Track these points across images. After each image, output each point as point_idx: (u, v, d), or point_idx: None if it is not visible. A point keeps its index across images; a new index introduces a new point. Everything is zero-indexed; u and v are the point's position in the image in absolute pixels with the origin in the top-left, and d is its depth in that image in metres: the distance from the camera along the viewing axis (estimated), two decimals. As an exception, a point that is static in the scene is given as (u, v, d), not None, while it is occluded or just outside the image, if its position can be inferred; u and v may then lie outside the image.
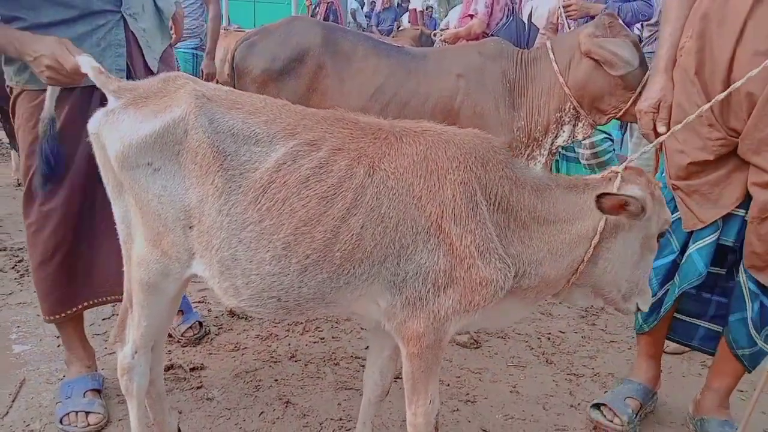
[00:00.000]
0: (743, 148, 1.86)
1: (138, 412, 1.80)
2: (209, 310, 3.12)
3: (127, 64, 2.15)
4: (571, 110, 2.60)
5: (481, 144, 1.53)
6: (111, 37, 2.11)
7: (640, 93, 2.38)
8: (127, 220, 1.61)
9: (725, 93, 1.67)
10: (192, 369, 2.54)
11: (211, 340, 2.82)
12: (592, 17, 3.55)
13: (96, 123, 1.54)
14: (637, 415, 2.23)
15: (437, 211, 1.44)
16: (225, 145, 1.45)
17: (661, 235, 1.63)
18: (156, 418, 1.94)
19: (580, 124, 2.64)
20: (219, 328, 2.93)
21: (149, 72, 2.22)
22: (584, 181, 1.61)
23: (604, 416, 2.21)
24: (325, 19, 8.22)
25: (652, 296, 1.86)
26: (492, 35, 4.25)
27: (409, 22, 9.47)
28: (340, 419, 2.25)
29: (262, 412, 2.27)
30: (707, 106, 1.71)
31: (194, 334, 2.77)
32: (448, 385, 2.50)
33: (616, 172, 1.59)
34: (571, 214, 1.55)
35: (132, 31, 2.16)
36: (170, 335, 2.84)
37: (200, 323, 2.82)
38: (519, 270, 1.52)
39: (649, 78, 2.04)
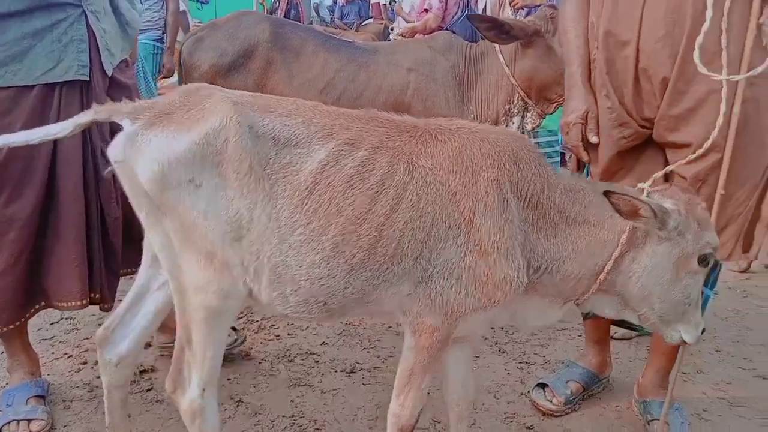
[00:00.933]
0: (659, 131, 1.91)
1: None
2: (162, 311, 3.07)
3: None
4: (520, 101, 2.64)
5: (515, 142, 1.56)
6: (73, 31, 2.03)
7: None
8: (169, 247, 1.49)
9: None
10: (142, 371, 2.50)
11: (163, 341, 2.77)
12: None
13: (119, 150, 1.44)
14: (577, 397, 2.29)
15: (470, 207, 1.47)
16: (267, 150, 1.44)
17: (703, 259, 1.56)
18: (111, 423, 1.89)
19: (529, 115, 2.69)
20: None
21: (104, 76, 2.14)
22: (621, 187, 1.63)
23: (545, 395, 2.30)
24: (286, 14, 8.14)
25: None
26: (447, 29, 4.28)
27: (371, 16, 9.44)
28: (292, 416, 2.25)
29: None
30: None
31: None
32: (402, 378, 2.51)
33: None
34: (600, 218, 1.57)
35: (92, 30, 2.07)
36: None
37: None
38: (541, 265, 1.56)
39: (568, 94, 2.05)
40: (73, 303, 2.13)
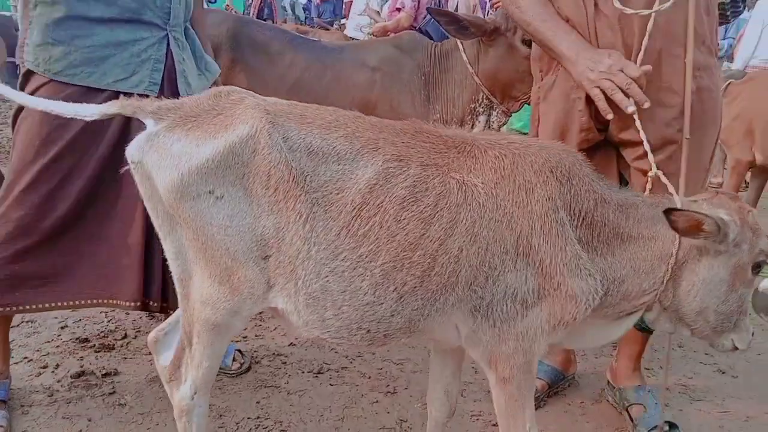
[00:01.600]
0: (614, 128, 1.91)
1: None
2: (127, 314, 3.01)
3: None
4: (485, 100, 2.65)
5: (567, 158, 1.49)
6: (153, 51, 2.08)
7: None
8: (182, 256, 1.43)
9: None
10: (104, 375, 2.45)
11: (128, 343, 2.72)
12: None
13: (138, 150, 1.35)
14: (542, 394, 2.31)
15: (527, 229, 1.37)
16: (302, 165, 1.32)
17: (756, 266, 1.51)
18: None
19: (495, 113, 2.70)
20: (137, 332, 2.83)
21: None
22: (670, 200, 1.54)
23: None
24: (259, 12, 8.08)
25: None
26: (419, 29, 4.29)
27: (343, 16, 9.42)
28: (258, 417, 2.22)
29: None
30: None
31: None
32: (370, 377, 2.51)
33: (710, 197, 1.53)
34: (654, 231, 1.48)
35: (173, 54, 2.12)
36: (86, 339, 2.75)
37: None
38: (604, 289, 1.47)
39: (580, 59, 1.78)
40: (125, 303, 2.14)
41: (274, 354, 2.68)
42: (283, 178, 1.31)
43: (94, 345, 2.70)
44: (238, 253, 1.34)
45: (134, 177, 1.40)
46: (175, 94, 2.17)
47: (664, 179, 1.62)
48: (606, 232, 1.47)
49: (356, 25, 6.03)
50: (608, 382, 2.40)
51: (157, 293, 2.15)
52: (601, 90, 1.73)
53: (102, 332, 2.80)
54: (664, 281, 1.48)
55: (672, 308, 1.54)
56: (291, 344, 2.76)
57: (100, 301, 2.18)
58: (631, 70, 1.71)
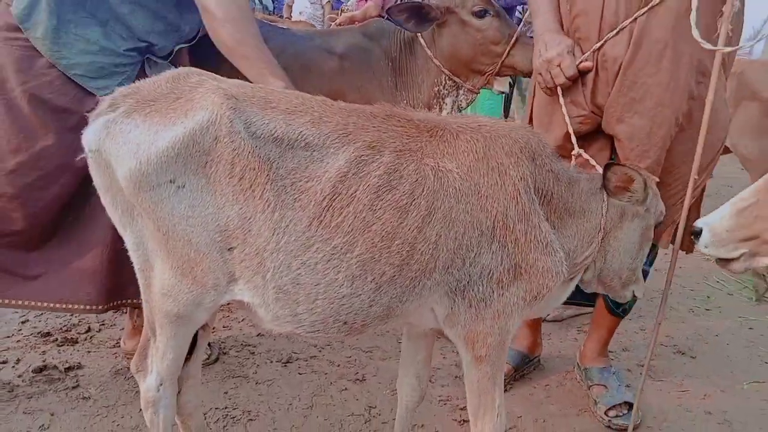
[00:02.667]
0: (607, 119, 1.92)
1: None
2: (91, 306, 2.96)
3: None
4: (448, 81, 2.64)
5: (532, 138, 1.51)
6: (129, 69, 2.00)
7: (513, 44, 2.46)
8: (143, 247, 1.38)
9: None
10: (68, 369, 2.40)
11: (91, 337, 2.67)
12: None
13: (94, 137, 1.28)
14: (508, 378, 2.35)
15: (502, 210, 1.39)
16: (268, 152, 1.27)
17: (657, 226, 1.68)
18: None
19: (461, 92, 2.69)
20: (101, 325, 2.78)
21: None
22: (597, 174, 1.63)
23: None
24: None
25: None
26: (387, 15, 4.26)
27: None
28: (226, 407, 2.21)
29: (141, 409, 2.18)
30: None
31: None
32: (338, 365, 2.52)
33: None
34: (592, 204, 1.57)
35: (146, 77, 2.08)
36: (48, 333, 2.69)
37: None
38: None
39: (540, 38, 1.93)
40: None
41: (242, 344, 2.66)
42: (248, 165, 1.26)
43: (57, 339, 2.65)
44: (200, 245, 1.30)
45: (90, 166, 1.33)
46: None
47: (585, 155, 1.71)
48: (560, 208, 1.53)
49: (300, 11, 5.95)
50: (577, 363, 2.48)
51: (134, 293, 2.08)
52: (541, 77, 1.90)
53: (65, 326, 2.74)
54: (597, 249, 1.59)
55: (597, 271, 1.66)
56: (259, 334, 2.74)
57: (68, 306, 2.10)
58: (567, 68, 1.84)
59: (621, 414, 2.18)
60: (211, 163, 1.26)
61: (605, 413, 2.19)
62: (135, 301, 2.08)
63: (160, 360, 1.51)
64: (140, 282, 1.45)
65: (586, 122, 1.96)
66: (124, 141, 1.26)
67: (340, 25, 4.69)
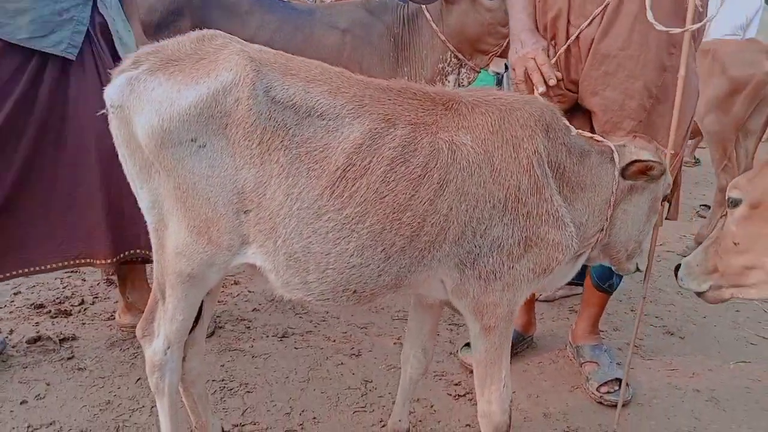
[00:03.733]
0: (583, 93, 1.98)
1: (170, 412, 1.60)
2: (83, 280, 2.94)
3: (87, 49, 2.04)
4: (453, 59, 2.64)
5: (546, 111, 1.51)
6: (76, 12, 1.96)
7: None
8: (159, 206, 1.37)
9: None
10: (62, 340, 2.39)
11: (85, 309, 2.66)
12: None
13: (117, 94, 1.28)
14: None
15: (515, 183, 1.39)
16: (285, 118, 1.28)
17: (665, 198, 1.71)
18: (198, 422, 1.77)
19: (464, 71, 2.70)
20: (94, 297, 2.77)
21: (100, 64, 2.08)
22: (607, 146, 1.62)
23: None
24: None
25: None
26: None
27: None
28: (222, 380, 2.22)
29: (138, 379, 2.18)
30: None
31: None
32: (334, 340, 2.53)
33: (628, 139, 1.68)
34: (603, 178, 1.57)
35: (102, 16, 2.05)
36: (41, 305, 2.67)
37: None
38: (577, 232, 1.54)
39: (516, 36, 1.99)
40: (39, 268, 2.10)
41: (237, 319, 2.67)
42: (266, 129, 1.27)
43: (50, 311, 2.63)
44: (218, 205, 1.31)
45: (111, 121, 1.33)
46: (115, 56, 2.10)
47: (586, 134, 1.69)
48: (572, 181, 1.53)
49: None
50: (569, 341, 2.52)
51: (137, 242, 2.12)
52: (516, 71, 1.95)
53: (57, 298, 2.73)
54: (607, 223, 1.60)
55: (605, 244, 1.66)
56: (255, 309, 2.75)
57: (70, 262, 2.13)
58: (540, 58, 1.88)
59: (612, 390, 2.22)
60: (232, 125, 1.27)
61: (597, 389, 2.24)
62: (147, 252, 2.10)
63: (169, 322, 1.50)
64: (153, 242, 1.44)
65: (563, 100, 2.01)
66: (147, 98, 1.26)
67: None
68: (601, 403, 2.22)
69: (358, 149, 1.31)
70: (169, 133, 1.26)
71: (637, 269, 1.79)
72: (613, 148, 1.60)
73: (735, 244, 1.51)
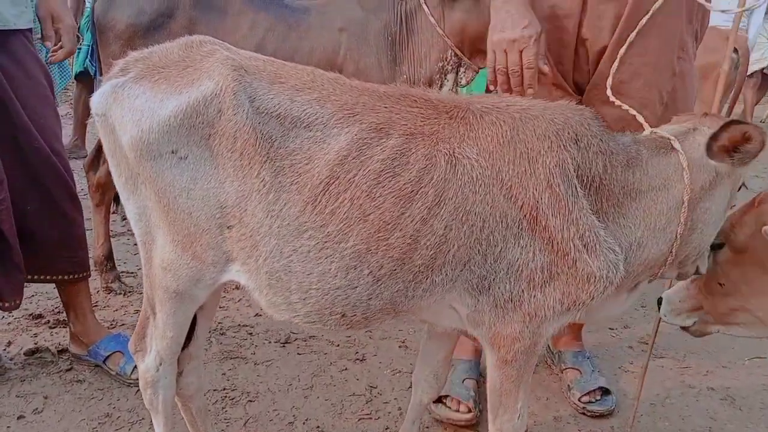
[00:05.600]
0: (592, 101, 1.77)
1: (165, 429, 1.57)
2: (83, 288, 2.90)
3: None
4: (453, 57, 2.57)
5: (573, 117, 1.32)
6: None
7: None
8: (146, 218, 1.33)
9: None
10: (60, 351, 2.35)
11: (85, 318, 2.62)
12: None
13: (102, 101, 1.25)
14: (477, 393, 2.11)
15: (531, 202, 1.23)
16: (270, 129, 1.21)
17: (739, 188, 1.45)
18: None
19: (462, 70, 2.63)
20: (93, 306, 2.70)
21: None
22: (667, 137, 1.38)
23: (449, 408, 2.03)
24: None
25: None
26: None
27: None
28: (224, 389, 2.17)
29: (138, 391, 2.12)
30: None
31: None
32: (338, 345, 2.48)
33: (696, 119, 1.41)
34: (664, 178, 1.33)
35: None
36: (40, 315, 2.63)
37: None
38: (624, 257, 1.32)
39: (503, 6, 1.60)
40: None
41: (239, 325, 2.62)
42: (249, 141, 1.20)
43: (49, 321, 2.59)
44: (200, 219, 1.25)
45: (99, 129, 1.31)
46: None
47: (640, 119, 1.50)
48: (615, 193, 1.32)
49: None
50: (548, 346, 2.39)
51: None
52: (495, 56, 1.61)
53: (56, 308, 2.68)
54: (679, 234, 1.33)
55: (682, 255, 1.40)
56: (257, 315, 2.70)
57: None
58: (529, 55, 1.56)
59: (594, 400, 2.11)
60: (215, 136, 1.21)
61: (579, 399, 2.12)
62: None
63: (159, 338, 1.46)
64: (141, 255, 1.40)
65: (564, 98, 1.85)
66: (129, 107, 1.22)
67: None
68: (584, 413, 2.10)
69: (342, 161, 1.21)
70: (148, 144, 1.21)
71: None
72: (670, 136, 1.36)
73: (720, 285, 1.44)
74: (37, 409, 2.03)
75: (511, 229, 1.24)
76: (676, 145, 1.34)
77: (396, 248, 1.21)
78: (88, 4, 4.35)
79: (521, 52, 1.57)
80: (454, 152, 1.24)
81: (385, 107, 1.27)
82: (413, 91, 1.34)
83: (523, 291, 1.27)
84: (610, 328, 2.66)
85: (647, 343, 2.57)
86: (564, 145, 1.27)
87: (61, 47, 2.12)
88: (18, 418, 1.99)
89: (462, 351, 2.22)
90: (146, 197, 1.31)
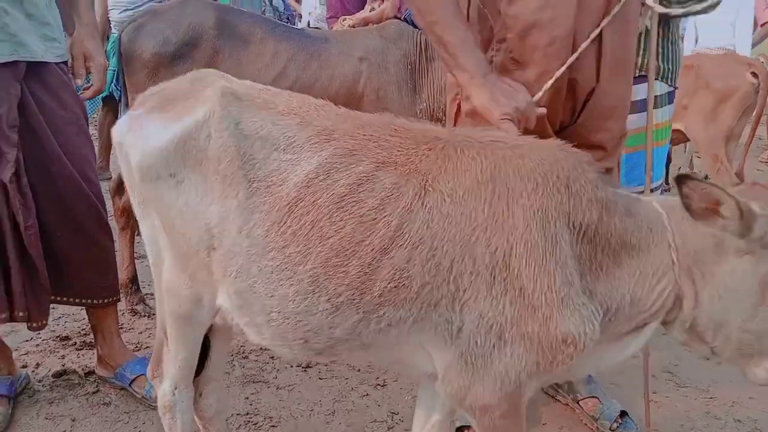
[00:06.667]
0: (582, 133, 1.71)
1: None
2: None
3: None
4: None
5: (565, 159, 1.25)
6: None
7: None
8: (155, 241, 1.42)
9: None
10: (87, 373, 2.39)
11: (111, 341, 2.66)
12: None
13: (120, 131, 1.39)
14: None
15: (505, 247, 1.16)
16: (253, 151, 1.25)
17: None
18: None
19: None
20: (119, 328, 2.77)
21: (2, 69, 1.92)
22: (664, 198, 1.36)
23: None
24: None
25: None
26: (404, 18, 4.25)
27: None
28: (247, 413, 2.20)
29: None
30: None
31: None
32: (359, 370, 2.49)
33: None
34: (656, 235, 1.26)
35: None
36: (67, 337, 2.68)
37: None
38: (610, 310, 1.25)
39: (485, 89, 1.51)
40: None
41: (261, 349, 2.64)
42: (232, 162, 1.26)
43: (75, 343, 2.64)
44: (192, 240, 1.32)
45: (118, 157, 1.44)
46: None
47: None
48: (612, 244, 1.24)
49: (309, 11, 5.93)
50: None
51: (23, 304, 2.04)
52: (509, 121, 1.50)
53: (83, 330, 2.73)
54: (671, 290, 1.25)
55: (685, 321, 1.28)
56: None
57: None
58: (531, 119, 1.53)
59: (618, 425, 2.10)
60: (206, 161, 1.28)
61: (610, 429, 2.10)
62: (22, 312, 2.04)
63: (172, 362, 1.51)
64: (155, 278, 1.48)
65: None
66: (138, 135, 1.34)
67: (353, 26, 4.68)
68: None
69: (309, 183, 1.22)
70: (150, 167, 1.31)
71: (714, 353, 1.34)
72: (654, 200, 1.32)
73: None
74: (65, 431, 2.07)
75: (482, 275, 1.17)
76: (656, 206, 1.29)
77: (353, 276, 1.19)
78: (114, 31, 4.47)
79: (527, 118, 1.53)
80: (425, 185, 1.20)
81: (364, 135, 1.27)
82: (397, 121, 1.34)
83: (493, 347, 1.18)
84: (632, 356, 2.64)
85: (671, 371, 2.55)
86: (551, 188, 1.20)
87: (91, 85, 2.21)
88: (47, 440, 2.03)
89: None
90: (154, 220, 1.40)
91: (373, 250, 1.18)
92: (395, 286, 1.18)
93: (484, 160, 1.22)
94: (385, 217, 1.18)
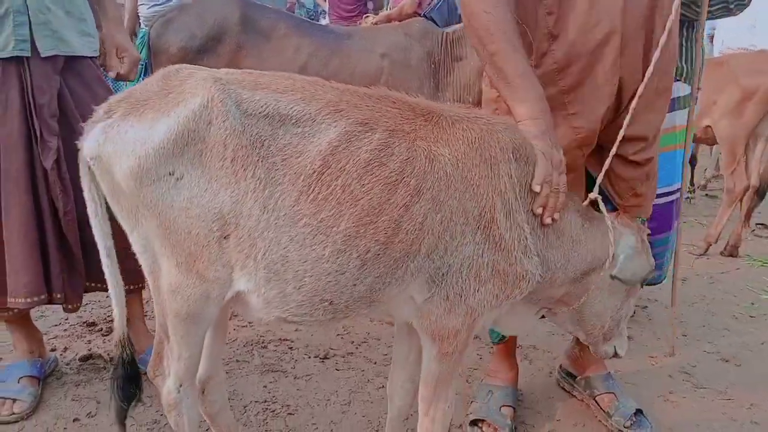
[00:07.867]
0: (614, 130, 1.70)
1: None
2: (134, 298, 3.03)
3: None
4: None
5: (526, 143, 1.50)
6: (8, 2, 1.92)
7: None
8: (150, 249, 1.38)
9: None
10: (112, 358, 2.46)
11: (135, 328, 2.74)
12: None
13: (94, 144, 1.29)
14: (513, 422, 2.12)
15: (491, 203, 1.40)
16: (259, 130, 1.29)
17: (644, 281, 1.73)
18: None
19: None
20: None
21: (51, 61, 2.01)
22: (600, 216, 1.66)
23: None
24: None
25: None
26: (423, 16, 4.27)
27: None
28: (265, 401, 2.24)
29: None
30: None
31: None
32: (375, 362, 2.53)
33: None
34: (590, 238, 1.61)
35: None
36: (94, 323, 2.77)
37: None
38: (545, 268, 1.55)
39: (544, 137, 1.52)
40: (21, 300, 2.05)
41: (280, 339, 2.70)
42: (240, 144, 1.27)
43: (102, 329, 2.73)
44: (200, 236, 1.31)
45: (93, 176, 1.35)
46: (41, 56, 2.00)
47: (603, 207, 1.65)
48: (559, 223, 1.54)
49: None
50: (567, 372, 2.36)
51: (60, 287, 2.11)
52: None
53: (109, 316, 2.82)
54: (579, 278, 1.61)
55: (579, 308, 1.67)
56: (297, 330, 2.78)
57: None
58: (562, 182, 1.53)
59: (632, 423, 2.09)
60: (206, 151, 1.28)
61: (624, 426, 2.09)
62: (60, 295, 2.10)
63: (176, 361, 1.49)
64: (150, 285, 1.45)
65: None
66: (122, 142, 1.28)
67: (376, 23, 4.70)
68: None
69: (334, 151, 1.31)
70: (147, 171, 1.26)
71: (615, 354, 1.77)
72: (609, 220, 1.63)
73: None
74: (90, 413, 2.15)
75: (470, 224, 1.40)
76: (610, 231, 1.61)
77: (382, 232, 1.33)
78: (144, 27, 4.56)
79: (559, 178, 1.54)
80: (430, 149, 1.37)
81: (367, 106, 1.38)
82: (392, 93, 1.45)
83: (470, 285, 1.42)
84: (650, 356, 2.63)
85: (688, 373, 2.54)
86: (518, 161, 1.45)
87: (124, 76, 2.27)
88: (73, 420, 2.10)
89: (499, 378, 2.25)
90: (147, 227, 1.35)
91: (397, 207, 1.33)
92: (412, 240, 1.35)
93: (472, 132, 1.42)
94: (404, 178, 1.34)
